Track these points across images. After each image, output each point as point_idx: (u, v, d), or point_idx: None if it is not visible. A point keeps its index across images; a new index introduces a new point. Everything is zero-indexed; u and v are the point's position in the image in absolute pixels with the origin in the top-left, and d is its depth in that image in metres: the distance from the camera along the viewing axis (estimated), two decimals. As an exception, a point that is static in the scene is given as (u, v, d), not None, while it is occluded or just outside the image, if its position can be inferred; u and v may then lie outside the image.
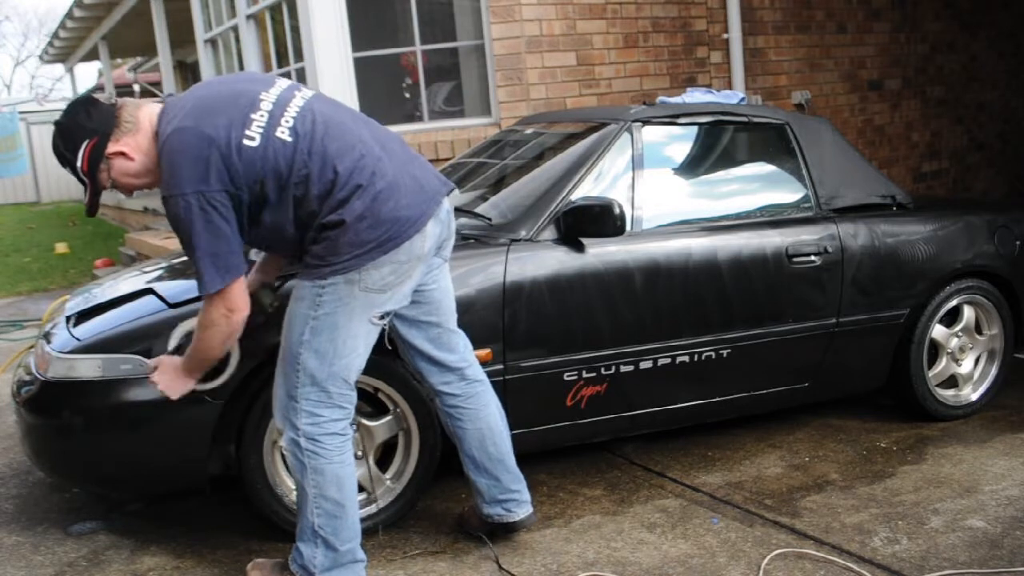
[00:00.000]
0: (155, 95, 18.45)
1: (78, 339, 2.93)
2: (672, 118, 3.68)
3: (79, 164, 2.45)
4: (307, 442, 2.51)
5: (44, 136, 21.10)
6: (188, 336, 2.64)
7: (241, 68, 7.16)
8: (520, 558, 2.85)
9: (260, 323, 2.66)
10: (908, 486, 3.27)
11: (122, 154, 2.46)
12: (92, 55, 14.26)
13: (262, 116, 2.41)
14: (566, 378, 3.22)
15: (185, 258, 3.78)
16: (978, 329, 3.98)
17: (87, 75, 35.32)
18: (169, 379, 2.63)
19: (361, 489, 3.05)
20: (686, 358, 3.39)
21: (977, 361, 3.99)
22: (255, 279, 2.75)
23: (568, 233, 3.24)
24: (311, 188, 2.41)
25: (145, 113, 2.46)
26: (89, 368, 2.81)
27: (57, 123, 2.47)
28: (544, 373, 3.18)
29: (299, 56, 6.12)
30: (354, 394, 2.57)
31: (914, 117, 7.91)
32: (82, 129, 2.43)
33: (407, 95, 6.23)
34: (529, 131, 4.22)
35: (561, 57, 5.91)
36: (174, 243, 7.21)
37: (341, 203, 2.41)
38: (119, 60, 18.68)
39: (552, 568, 2.79)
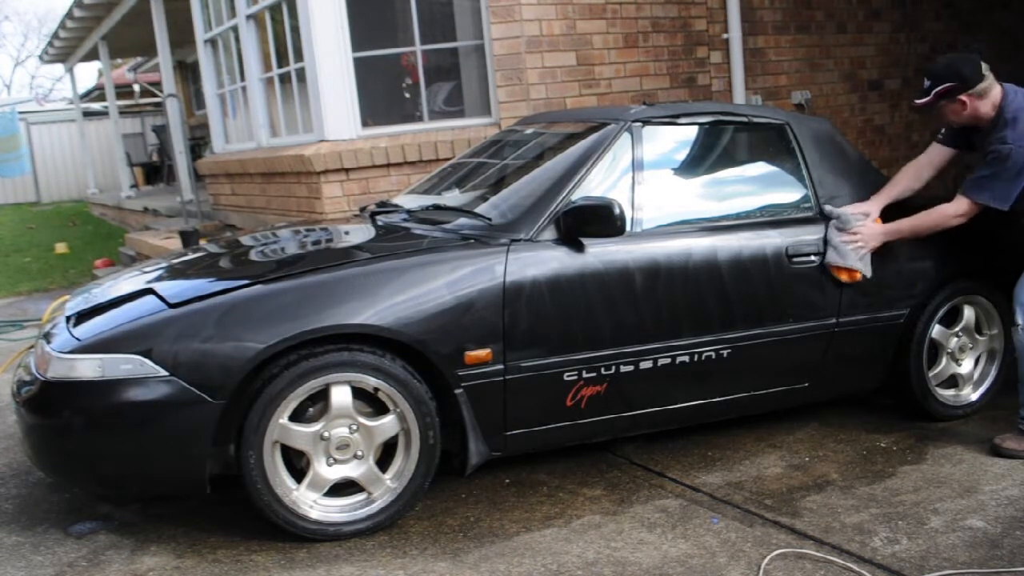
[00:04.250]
0: (155, 95, 18.48)
1: (78, 339, 2.93)
2: (672, 118, 3.68)
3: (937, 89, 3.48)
4: None
5: (44, 136, 21.14)
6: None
7: (241, 68, 7.17)
8: (520, 558, 2.86)
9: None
10: (908, 486, 3.27)
11: (961, 103, 3.48)
12: (92, 55, 14.23)
13: None
14: (566, 378, 3.22)
15: (185, 257, 3.80)
16: (978, 329, 3.98)
17: (87, 75, 35.33)
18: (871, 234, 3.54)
19: (361, 489, 3.06)
20: (686, 358, 3.39)
21: (977, 361, 3.99)
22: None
23: (568, 233, 3.24)
24: None
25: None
26: (89, 368, 2.81)
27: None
28: (544, 373, 3.18)
29: (299, 56, 6.13)
30: None
31: (914, 117, 7.90)
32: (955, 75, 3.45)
33: (407, 95, 6.23)
34: (529, 131, 4.23)
35: (561, 57, 5.91)
36: (174, 243, 7.22)
37: None
38: (119, 60, 18.67)
39: (552, 568, 2.79)
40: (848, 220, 3.58)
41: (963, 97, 3.48)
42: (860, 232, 3.56)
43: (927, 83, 3.55)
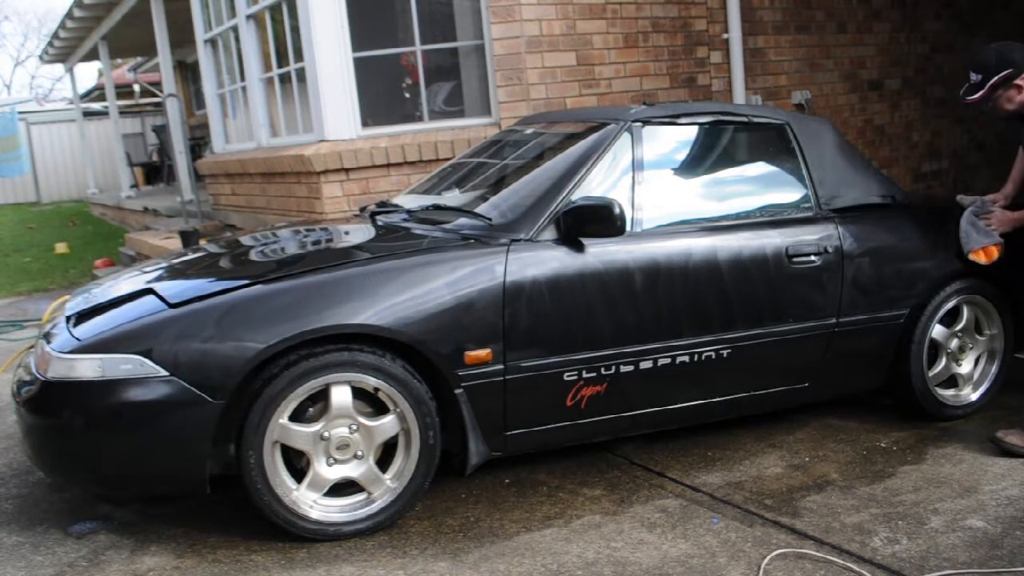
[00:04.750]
0: (155, 95, 18.48)
1: (78, 339, 2.93)
2: (672, 118, 3.68)
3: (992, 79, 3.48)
4: None
5: (44, 136, 21.14)
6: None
7: (241, 68, 7.17)
8: (520, 558, 2.86)
9: None
10: (908, 486, 3.27)
11: (1018, 87, 3.49)
12: (92, 55, 14.23)
13: None
14: (566, 378, 3.22)
15: (185, 257, 3.80)
16: (978, 329, 3.97)
17: (87, 75, 35.33)
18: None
19: (361, 489, 3.06)
20: (686, 358, 3.39)
21: (977, 361, 3.99)
22: None
23: (568, 233, 3.24)
24: None
25: None
26: (89, 368, 2.81)
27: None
28: (544, 373, 3.18)
29: (299, 56, 6.13)
30: None
31: (914, 117, 7.91)
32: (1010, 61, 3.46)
33: (407, 95, 6.23)
34: (529, 131, 4.23)
35: (561, 57, 5.91)
36: (174, 243, 7.21)
37: None
38: (119, 60, 18.67)
39: (552, 568, 2.79)
40: (985, 203, 3.84)
41: (1019, 81, 3.48)
42: (993, 217, 3.77)
43: (977, 76, 3.54)
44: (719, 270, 3.42)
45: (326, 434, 2.96)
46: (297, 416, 2.95)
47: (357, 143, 5.78)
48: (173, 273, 3.58)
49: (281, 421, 2.91)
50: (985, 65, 3.52)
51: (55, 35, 13.88)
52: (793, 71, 7.03)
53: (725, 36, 6.52)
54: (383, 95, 6.22)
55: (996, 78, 3.49)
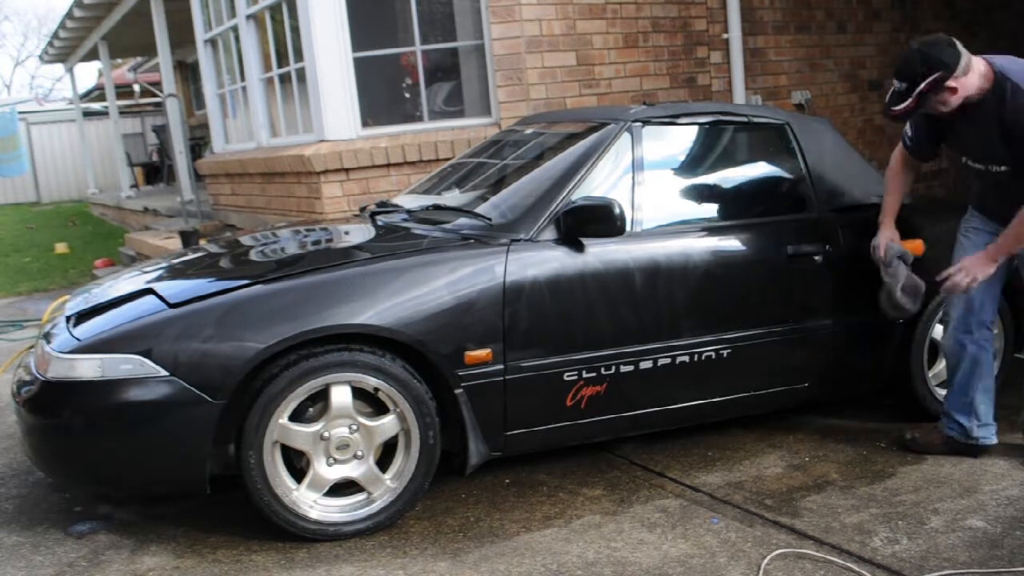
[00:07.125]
0: (155, 95, 18.48)
1: (78, 339, 2.93)
2: (672, 118, 3.68)
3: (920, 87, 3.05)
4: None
5: (44, 136, 21.14)
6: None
7: (241, 68, 7.17)
8: (520, 558, 2.86)
9: None
10: (908, 486, 3.27)
11: (951, 90, 3.05)
12: (92, 55, 14.23)
13: None
14: (566, 378, 3.22)
15: (185, 257, 3.80)
16: (978, 329, 3.97)
17: (87, 75, 35.36)
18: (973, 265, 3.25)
19: (361, 489, 3.06)
20: (686, 358, 3.39)
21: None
22: None
23: (568, 233, 3.24)
24: None
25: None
26: (89, 368, 2.81)
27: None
28: (544, 373, 3.18)
29: (299, 56, 6.13)
30: None
31: (914, 117, 7.89)
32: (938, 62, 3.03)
33: (407, 95, 6.23)
34: (529, 131, 4.23)
35: (561, 57, 5.91)
36: (174, 243, 7.22)
37: None
38: (119, 60, 18.67)
39: (552, 568, 2.79)
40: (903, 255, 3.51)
41: (952, 83, 3.04)
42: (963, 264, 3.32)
43: (901, 85, 3.09)
44: (719, 270, 3.42)
45: (326, 434, 2.96)
46: (297, 416, 2.95)
47: (357, 143, 5.78)
48: (173, 273, 3.58)
49: (281, 421, 2.91)
50: (910, 71, 3.07)
51: (55, 35, 13.89)
52: (793, 71, 7.03)
53: (725, 36, 6.53)
54: (383, 95, 6.22)
55: (924, 84, 3.03)
